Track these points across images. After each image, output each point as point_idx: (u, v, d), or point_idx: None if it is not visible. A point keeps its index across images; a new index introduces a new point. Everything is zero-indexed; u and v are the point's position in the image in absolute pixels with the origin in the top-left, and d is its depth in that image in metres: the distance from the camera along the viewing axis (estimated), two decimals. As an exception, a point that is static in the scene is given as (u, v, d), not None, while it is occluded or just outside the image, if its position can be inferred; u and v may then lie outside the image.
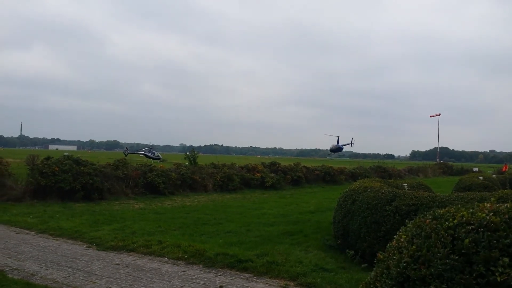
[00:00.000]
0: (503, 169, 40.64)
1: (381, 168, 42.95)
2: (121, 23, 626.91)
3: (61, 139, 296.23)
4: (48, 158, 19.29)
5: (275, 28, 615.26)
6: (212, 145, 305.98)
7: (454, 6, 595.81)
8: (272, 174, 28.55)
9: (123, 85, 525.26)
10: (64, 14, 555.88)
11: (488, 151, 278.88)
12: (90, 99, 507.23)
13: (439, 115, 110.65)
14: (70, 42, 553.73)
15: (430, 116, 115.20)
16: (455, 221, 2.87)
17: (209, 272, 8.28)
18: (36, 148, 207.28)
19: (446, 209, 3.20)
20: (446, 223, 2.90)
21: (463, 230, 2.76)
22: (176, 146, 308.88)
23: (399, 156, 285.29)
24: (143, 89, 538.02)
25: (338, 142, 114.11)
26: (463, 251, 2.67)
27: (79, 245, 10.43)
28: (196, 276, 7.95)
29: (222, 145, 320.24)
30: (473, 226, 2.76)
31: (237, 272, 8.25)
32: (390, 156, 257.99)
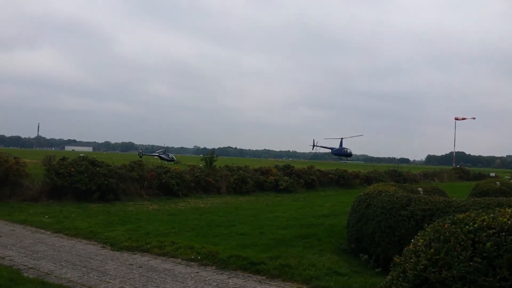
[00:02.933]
0: (521, 175, 39.98)
1: (396, 172, 42.53)
2: (128, 22, 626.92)
3: (77, 140, 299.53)
4: (64, 159, 19.49)
5: (285, 27, 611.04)
6: (226, 147, 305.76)
7: (468, 3, 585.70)
8: (286, 177, 28.47)
9: (135, 86, 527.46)
10: (71, 13, 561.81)
11: (505, 156, 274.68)
12: (103, 100, 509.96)
13: (464, 119, 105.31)
14: (78, 41, 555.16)
15: (455, 119, 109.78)
16: (475, 225, 2.85)
17: (222, 274, 8.27)
18: (53, 149, 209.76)
19: (466, 214, 3.17)
20: (466, 227, 2.89)
21: (484, 234, 2.74)
22: (190, 148, 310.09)
23: (414, 160, 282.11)
24: (156, 90, 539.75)
25: (341, 145, 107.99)
26: (484, 254, 2.63)
27: (93, 245, 10.51)
28: (209, 278, 7.95)
29: (235, 148, 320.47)
30: (494, 230, 2.74)
31: (250, 275, 8.23)
32: (405, 160, 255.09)
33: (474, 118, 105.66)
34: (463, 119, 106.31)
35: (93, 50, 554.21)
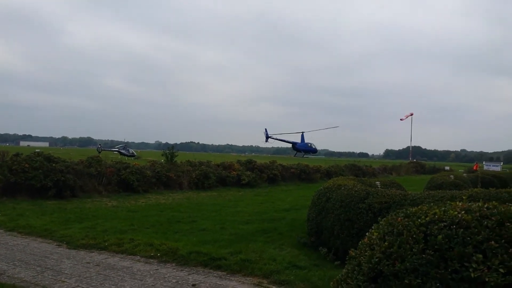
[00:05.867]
0: (474, 168, 41.60)
1: (356, 166, 43.43)
2: (78, 13, 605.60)
3: (33, 135, 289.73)
4: (17, 155, 18.82)
5: (244, 21, 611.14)
6: (188, 142, 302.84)
7: (426, 0, 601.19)
8: (248, 172, 28.53)
9: (91, 79, 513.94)
10: (16, 3, 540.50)
11: (459, 150, 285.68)
12: (58, 94, 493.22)
13: (412, 115, 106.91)
14: (25, 32, 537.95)
15: (401, 120, 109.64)
16: (427, 219, 2.92)
17: (182, 270, 8.18)
18: (7, 144, 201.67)
19: (419, 207, 3.24)
20: (418, 220, 2.95)
21: (436, 227, 2.81)
22: (152, 143, 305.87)
23: (373, 154, 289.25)
24: (113, 84, 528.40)
25: (303, 140, 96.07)
26: (436, 246, 2.70)
27: (48, 243, 10.18)
28: (168, 275, 7.85)
29: (198, 143, 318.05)
30: (445, 223, 2.81)
31: (211, 270, 8.18)
32: (365, 155, 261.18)
33: (412, 114, 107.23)
34: (406, 117, 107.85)
35: (42, 42, 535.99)
